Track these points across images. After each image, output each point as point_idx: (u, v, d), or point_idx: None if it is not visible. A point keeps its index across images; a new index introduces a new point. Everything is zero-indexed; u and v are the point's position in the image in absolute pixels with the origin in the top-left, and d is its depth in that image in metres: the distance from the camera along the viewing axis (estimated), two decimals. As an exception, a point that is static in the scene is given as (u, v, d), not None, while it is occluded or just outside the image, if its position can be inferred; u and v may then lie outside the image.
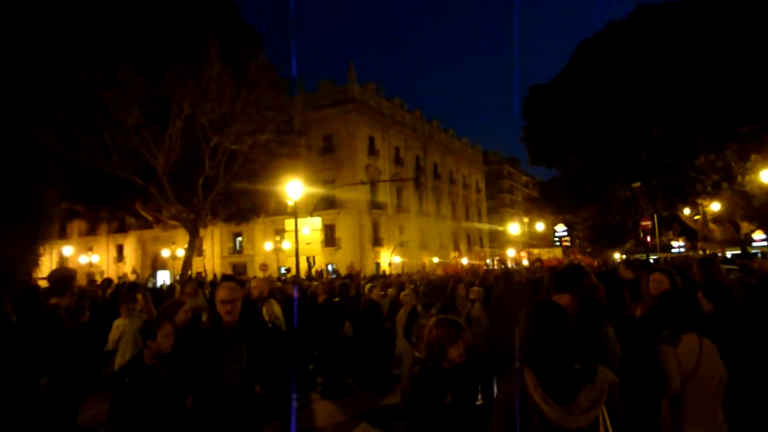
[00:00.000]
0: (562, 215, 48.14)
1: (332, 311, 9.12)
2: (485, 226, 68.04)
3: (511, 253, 47.41)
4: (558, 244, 52.20)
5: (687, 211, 37.87)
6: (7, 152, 16.92)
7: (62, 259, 46.51)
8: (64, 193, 21.07)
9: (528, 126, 40.41)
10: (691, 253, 32.79)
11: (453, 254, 48.36)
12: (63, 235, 46.01)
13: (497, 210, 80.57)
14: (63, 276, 5.58)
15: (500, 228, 66.40)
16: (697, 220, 38.52)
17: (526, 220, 66.31)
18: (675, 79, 29.42)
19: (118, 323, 6.68)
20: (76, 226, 49.43)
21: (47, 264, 31.17)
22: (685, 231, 40.63)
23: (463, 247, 59.57)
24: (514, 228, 59.09)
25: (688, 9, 30.46)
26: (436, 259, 40.80)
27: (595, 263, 26.77)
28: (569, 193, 40.80)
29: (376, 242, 46.49)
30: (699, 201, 35.96)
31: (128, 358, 5.71)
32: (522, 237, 69.02)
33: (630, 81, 31.28)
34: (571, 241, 52.81)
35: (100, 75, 16.52)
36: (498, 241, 71.11)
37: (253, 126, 19.43)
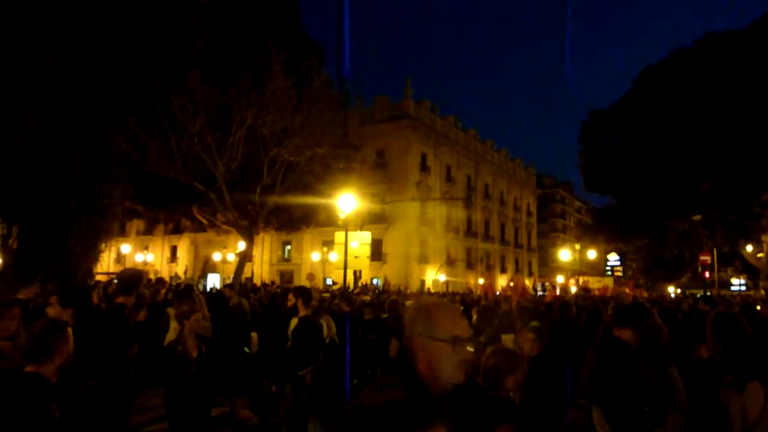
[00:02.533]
0: (615, 244, 46.81)
1: (380, 327, 9.16)
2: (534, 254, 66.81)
3: (560, 279, 46.38)
4: (609, 273, 50.78)
5: (750, 248, 36.24)
6: (81, 152, 17.84)
7: (120, 256, 48.39)
8: (126, 193, 22.01)
9: (585, 151, 39.67)
10: (752, 293, 31.30)
11: (503, 276, 47.72)
12: (122, 233, 47.82)
13: (548, 235, 79.13)
14: (132, 276, 5.84)
15: (550, 252, 65.13)
16: (760, 258, 36.80)
17: (577, 246, 64.83)
18: (742, 109, 28.37)
19: (175, 324, 6.92)
20: (135, 225, 51.34)
21: (107, 260, 32.51)
22: (747, 268, 38.84)
23: (510, 269, 58.71)
24: (564, 254, 57.94)
25: (757, 38, 29.40)
26: (481, 281, 40.37)
27: (645, 294, 25.91)
28: (624, 221, 39.66)
29: (423, 259, 46.39)
30: (764, 238, 34.36)
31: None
32: (572, 264, 67.47)
33: (695, 110, 30.35)
34: (623, 271, 51.28)
35: (170, 83, 17.24)
36: (547, 266, 69.75)
37: (311, 139, 19.84)
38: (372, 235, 26.82)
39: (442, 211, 49.50)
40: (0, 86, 14.83)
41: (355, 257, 16.40)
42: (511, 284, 14.90)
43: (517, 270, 60.76)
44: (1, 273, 17.84)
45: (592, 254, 56.07)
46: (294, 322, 6.38)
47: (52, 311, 4.72)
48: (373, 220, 38.91)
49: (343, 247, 15.47)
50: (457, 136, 53.99)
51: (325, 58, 25.99)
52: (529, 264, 67.06)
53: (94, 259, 20.36)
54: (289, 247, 50.14)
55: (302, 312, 6.21)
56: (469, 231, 54.02)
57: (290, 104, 19.18)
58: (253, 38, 19.98)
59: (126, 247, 46.75)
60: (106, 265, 33.89)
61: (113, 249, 40.31)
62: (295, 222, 27.06)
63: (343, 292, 14.58)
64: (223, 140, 18.85)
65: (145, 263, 47.16)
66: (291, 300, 6.53)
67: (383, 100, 47.72)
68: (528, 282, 43.09)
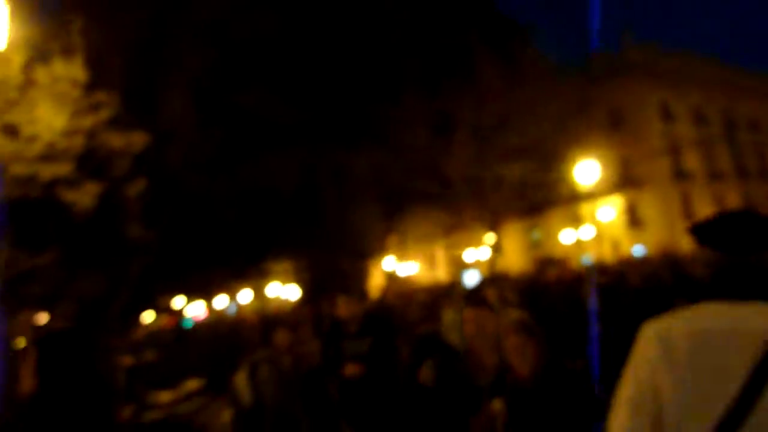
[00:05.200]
0: None
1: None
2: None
3: None
4: None
5: None
6: (332, 183, 20.38)
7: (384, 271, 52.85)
8: (379, 213, 24.23)
9: None
10: None
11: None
12: (382, 249, 52.17)
13: None
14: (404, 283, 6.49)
15: None
16: None
17: None
18: None
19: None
20: (394, 239, 55.66)
21: (375, 274, 35.89)
22: None
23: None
24: None
25: None
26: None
27: None
28: None
29: (689, 217, 41.47)
30: None
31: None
32: None
33: None
34: None
35: (389, 104, 18.65)
36: None
37: (534, 118, 19.48)
38: (622, 201, 25.15)
39: (701, 160, 43.74)
40: (265, 147, 17.74)
41: (607, 228, 15.49)
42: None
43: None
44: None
45: None
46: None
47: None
48: (621, 186, 36.20)
49: (593, 221, 14.76)
50: (696, 71, 47.31)
51: (531, 35, 25.32)
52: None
53: (365, 276, 22.80)
54: (536, 232, 49.32)
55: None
56: (741, 174, 46.71)
57: (505, 90, 19.13)
58: (455, 37, 20.49)
59: (389, 261, 50.88)
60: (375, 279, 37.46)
61: (377, 265, 44.23)
62: (538, 205, 26.64)
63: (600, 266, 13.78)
64: (448, 142, 19.60)
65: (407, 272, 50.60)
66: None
67: (602, 57, 44.29)
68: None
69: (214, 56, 17.34)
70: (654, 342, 1.68)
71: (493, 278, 11.00)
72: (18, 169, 11.96)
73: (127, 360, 9.42)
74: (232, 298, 47.17)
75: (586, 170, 17.00)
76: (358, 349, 4.96)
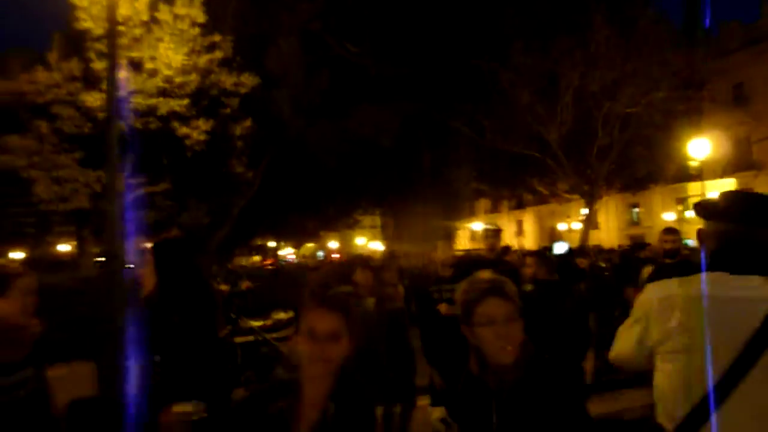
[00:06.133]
0: None
1: None
2: None
3: None
4: None
5: None
6: (430, 143, 20.32)
7: (473, 234, 52.68)
8: (471, 175, 23.95)
9: None
10: None
11: None
12: (471, 213, 51.87)
13: None
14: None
15: None
16: None
17: None
18: None
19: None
20: (483, 204, 55.18)
21: (462, 237, 35.74)
22: None
23: None
24: None
25: None
26: None
27: None
28: None
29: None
30: None
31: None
32: None
33: None
34: None
35: (496, 62, 18.13)
36: None
37: (647, 85, 18.31)
38: (737, 184, 23.27)
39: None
40: (367, 99, 17.94)
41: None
42: None
43: None
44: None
45: None
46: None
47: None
48: (737, 168, 33.46)
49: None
50: None
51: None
52: None
53: (449, 236, 22.82)
54: (636, 209, 46.92)
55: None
56: None
57: (618, 54, 18.04)
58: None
59: (477, 225, 50.59)
60: (462, 243, 37.40)
61: (466, 228, 44.01)
62: (640, 181, 25.26)
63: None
64: (552, 106, 18.89)
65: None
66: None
67: (733, 26, 40.46)
68: None
69: (324, 3, 17.56)
70: (654, 301, 1.86)
71: (581, 248, 10.69)
72: (140, 102, 12.91)
73: (224, 287, 10.10)
74: (320, 247, 49.02)
75: (698, 148, 15.91)
76: (451, 294, 5.07)
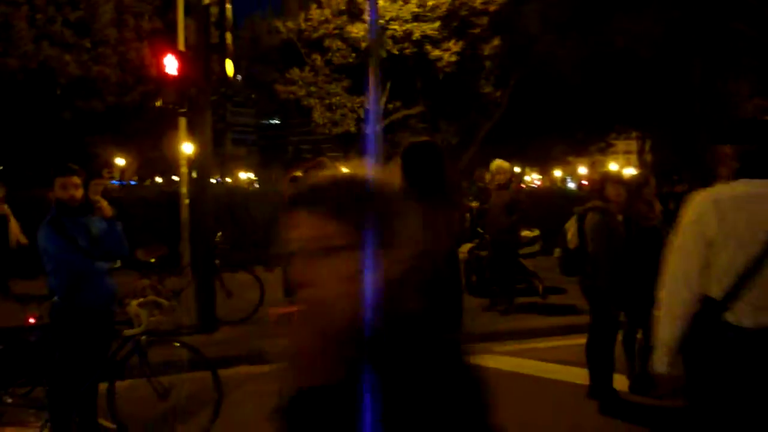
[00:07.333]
0: None
1: None
2: None
3: None
4: None
5: None
6: (702, 53, 17.57)
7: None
8: (755, 89, 20.26)
9: None
10: None
11: None
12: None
13: None
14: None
15: None
16: None
17: None
18: None
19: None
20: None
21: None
22: None
23: None
24: None
25: None
26: None
27: None
28: None
29: None
30: None
31: None
32: None
33: None
34: None
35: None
36: None
37: None
38: None
39: None
40: (622, 8, 16.22)
41: None
42: None
43: None
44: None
45: None
46: None
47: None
48: None
49: None
50: None
51: None
52: None
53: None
54: None
55: None
56: None
57: None
58: None
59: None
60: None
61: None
62: None
63: None
64: None
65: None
66: None
67: None
68: None
69: None
70: (708, 202, 2.32)
71: None
72: (395, 29, 13.72)
73: (475, 204, 10.52)
74: (569, 173, 46.68)
75: None
76: None
